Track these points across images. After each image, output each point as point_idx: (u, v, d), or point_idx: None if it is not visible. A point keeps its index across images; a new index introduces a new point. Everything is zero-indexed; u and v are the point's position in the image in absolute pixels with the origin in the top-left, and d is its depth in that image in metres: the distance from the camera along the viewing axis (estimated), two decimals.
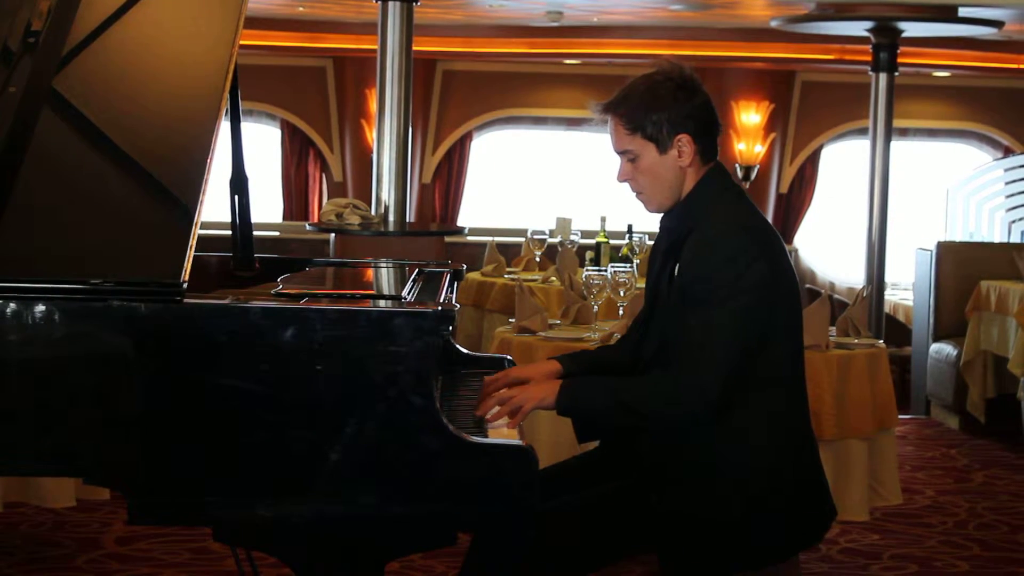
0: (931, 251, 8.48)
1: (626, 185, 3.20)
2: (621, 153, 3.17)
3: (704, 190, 3.13)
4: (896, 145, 10.50)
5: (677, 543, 3.07)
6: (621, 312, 5.06)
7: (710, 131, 3.14)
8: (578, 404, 3.13)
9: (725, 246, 3.03)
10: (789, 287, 3.12)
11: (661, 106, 3.09)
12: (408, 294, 3.13)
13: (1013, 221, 10.94)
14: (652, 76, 3.14)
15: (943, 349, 8.32)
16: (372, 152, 7.83)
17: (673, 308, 3.10)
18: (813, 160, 13.13)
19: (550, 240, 7.64)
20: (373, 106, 9.56)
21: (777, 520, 3.07)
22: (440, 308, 2.79)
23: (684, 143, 3.10)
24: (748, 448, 3.05)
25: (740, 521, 3.03)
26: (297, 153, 12.93)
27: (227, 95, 3.10)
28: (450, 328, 2.84)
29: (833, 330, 5.31)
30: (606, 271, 5.07)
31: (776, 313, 3.06)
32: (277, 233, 11.46)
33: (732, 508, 3.03)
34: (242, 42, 3.22)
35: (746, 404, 3.03)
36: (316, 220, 11.02)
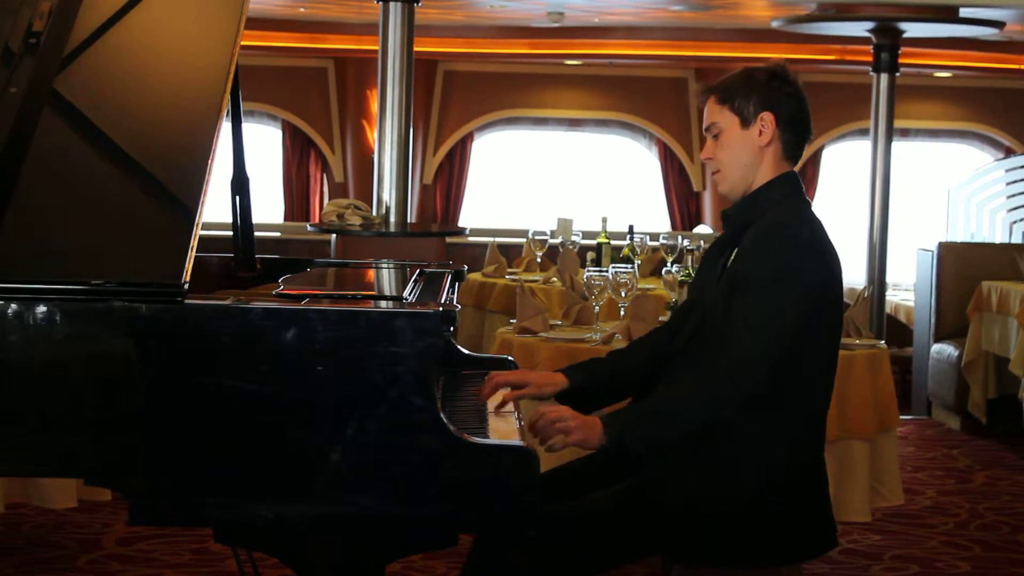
0: (932, 252, 8.48)
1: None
2: (707, 129, 3.24)
3: (774, 188, 3.18)
4: (897, 145, 10.49)
5: (677, 536, 3.07)
6: (622, 313, 5.05)
7: (796, 125, 3.20)
8: (629, 439, 3.01)
9: (789, 237, 3.09)
10: (834, 301, 3.15)
11: (753, 86, 3.18)
12: (409, 295, 3.13)
13: (1014, 222, 10.95)
14: (754, 66, 3.24)
15: (944, 350, 8.32)
16: (373, 153, 7.83)
17: (718, 298, 3.12)
18: (814, 160, 13.14)
19: (551, 241, 7.63)
20: (374, 107, 9.57)
21: (778, 522, 3.07)
22: (441, 309, 2.79)
23: (766, 122, 3.16)
24: (756, 448, 3.06)
25: (742, 515, 3.04)
26: (298, 154, 12.94)
27: (228, 96, 3.10)
28: (451, 329, 2.84)
29: None
30: (607, 272, 5.07)
31: (817, 321, 3.08)
32: (278, 234, 11.45)
33: (736, 503, 3.04)
34: (243, 43, 3.22)
35: (768, 404, 3.04)
36: (317, 221, 11.01)
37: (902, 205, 12.21)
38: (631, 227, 7.47)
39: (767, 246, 3.09)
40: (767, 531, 3.07)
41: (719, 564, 3.07)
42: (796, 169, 3.24)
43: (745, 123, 3.18)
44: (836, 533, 3.21)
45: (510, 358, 3.69)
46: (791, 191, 3.20)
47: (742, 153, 3.19)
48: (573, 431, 3.00)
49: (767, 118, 3.17)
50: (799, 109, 3.21)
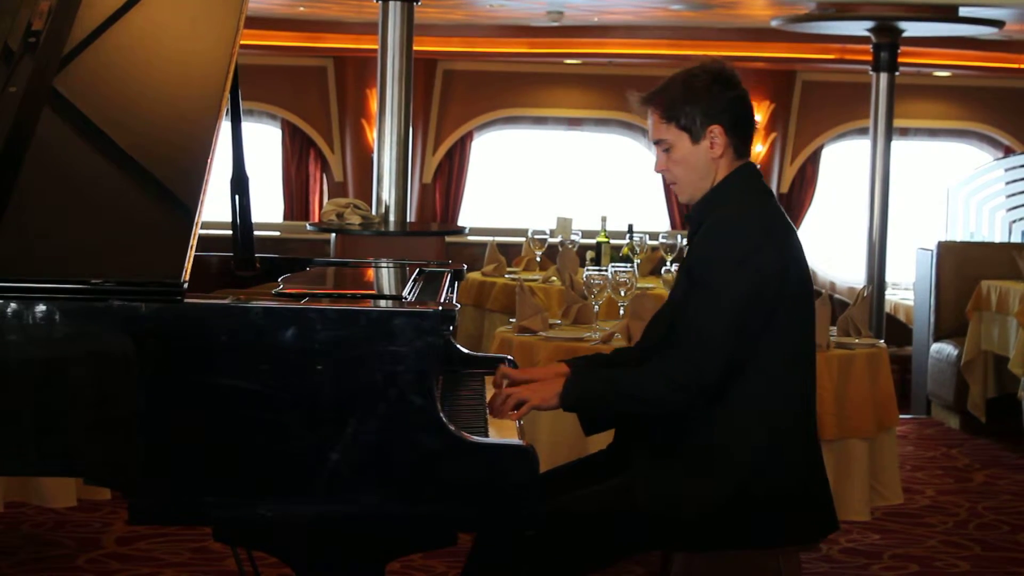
0: (932, 251, 8.48)
1: (653, 180, 3.26)
2: (657, 143, 3.23)
3: (731, 183, 3.20)
4: (897, 145, 10.50)
5: (675, 528, 3.09)
6: (622, 312, 5.06)
7: (743, 126, 3.21)
8: (580, 399, 3.17)
9: (735, 230, 3.11)
10: (798, 287, 3.14)
11: (696, 98, 3.17)
12: (409, 294, 3.13)
13: (1014, 221, 10.94)
14: (691, 70, 3.23)
15: (944, 349, 8.32)
16: (373, 152, 7.83)
17: (680, 292, 3.18)
18: (814, 160, 13.14)
19: (551, 240, 7.63)
20: (374, 106, 9.57)
21: (771, 507, 3.09)
22: (441, 308, 2.79)
23: (716, 134, 3.17)
24: (741, 437, 3.08)
25: (734, 502, 3.06)
26: (298, 153, 12.93)
27: (228, 95, 3.10)
28: (451, 328, 2.84)
29: (834, 330, 5.31)
30: (607, 271, 5.07)
31: (777, 310, 3.08)
32: (278, 233, 11.46)
33: (726, 491, 3.06)
34: (243, 42, 3.22)
35: (732, 397, 3.07)
36: (317, 220, 11.02)
37: (901, 204, 12.21)
38: (630, 226, 7.47)
39: (715, 239, 3.11)
40: (760, 516, 3.09)
41: (716, 549, 3.10)
42: (751, 159, 3.25)
43: (695, 138, 3.18)
44: (835, 518, 3.22)
45: (509, 357, 3.69)
46: (747, 183, 3.21)
47: (697, 165, 3.20)
48: (528, 400, 3.15)
49: (716, 131, 3.17)
50: (743, 109, 3.21)
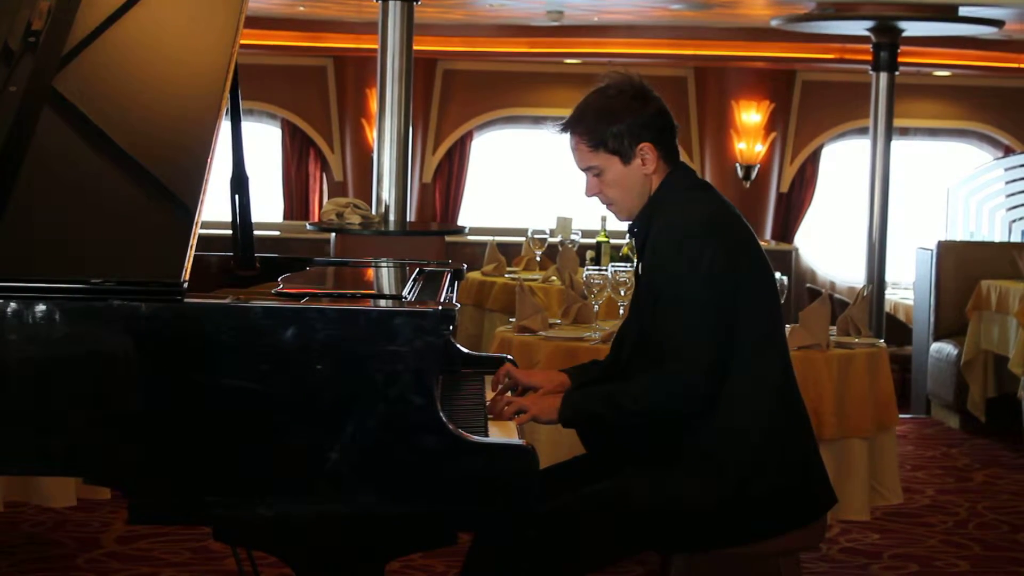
0: (931, 250, 8.48)
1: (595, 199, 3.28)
2: (586, 169, 3.22)
3: (665, 190, 3.21)
4: (896, 144, 10.50)
5: (673, 527, 3.10)
6: (622, 311, 5.05)
7: (668, 135, 3.22)
8: (577, 415, 3.18)
9: (681, 241, 3.10)
10: (750, 273, 3.15)
11: (619, 119, 3.16)
12: (408, 294, 3.13)
13: (1013, 220, 10.94)
14: (604, 91, 3.21)
15: (943, 348, 8.32)
16: (372, 152, 7.83)
17: (645, 305, 3.17)
18: (813, 159, 13.13)
19: (551, 239, 7.63)
20: (374, 105, 9.56)
21: (761, 506, 3.10)
22: (441, 308, 2.79)
23: (646, 151, 3.18)
24: (730, 438, 3.09)
25: (719, 504, 3.07)
26: (298, 152, 12.93)
27: (227, 94, 3.10)
28: (451, 328, 2.84)
29: (833, 329, 5.31)
30: (606, 270, 5.07)
31: (738, 300, 3.09)
32: (278, 233, 11.46)
33: (707, 493, 3.07)
34: (243, 41, 3.22)
35: (723, 397, 3.08)
36: (317, 220, 11.01)
37: (901, 204, 12.21)
38: (631, 226, 7.47)
39: (665, 247, 3.11)
40: (759, 513, 3.10)
41: (716, 548, 3.11)
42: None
43: (626, 160, 3.18)
44: (832, 495, 3.23)
45: (509, 357, 3.69)
46: (682, 185, 3.21)
47: (633, 185, 3.20)
48: (528, 410, 3.14)
49: (646, 148, 3.17)
50: (665, 119, 3.21)
